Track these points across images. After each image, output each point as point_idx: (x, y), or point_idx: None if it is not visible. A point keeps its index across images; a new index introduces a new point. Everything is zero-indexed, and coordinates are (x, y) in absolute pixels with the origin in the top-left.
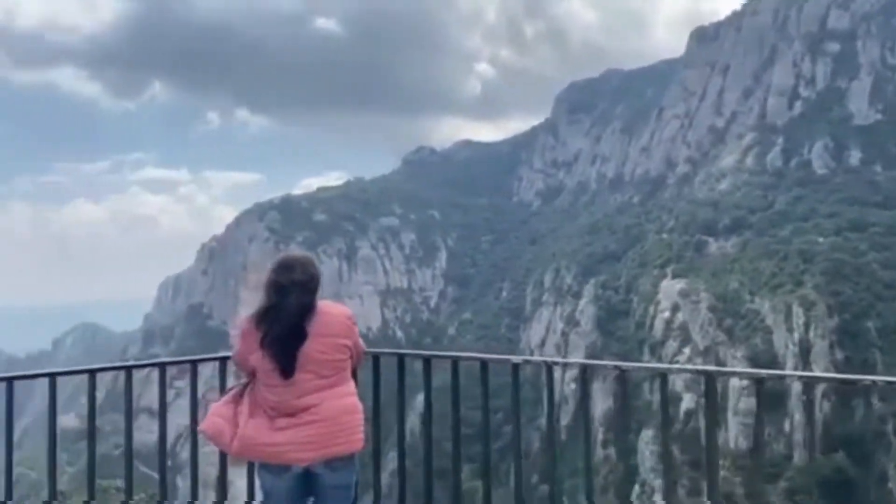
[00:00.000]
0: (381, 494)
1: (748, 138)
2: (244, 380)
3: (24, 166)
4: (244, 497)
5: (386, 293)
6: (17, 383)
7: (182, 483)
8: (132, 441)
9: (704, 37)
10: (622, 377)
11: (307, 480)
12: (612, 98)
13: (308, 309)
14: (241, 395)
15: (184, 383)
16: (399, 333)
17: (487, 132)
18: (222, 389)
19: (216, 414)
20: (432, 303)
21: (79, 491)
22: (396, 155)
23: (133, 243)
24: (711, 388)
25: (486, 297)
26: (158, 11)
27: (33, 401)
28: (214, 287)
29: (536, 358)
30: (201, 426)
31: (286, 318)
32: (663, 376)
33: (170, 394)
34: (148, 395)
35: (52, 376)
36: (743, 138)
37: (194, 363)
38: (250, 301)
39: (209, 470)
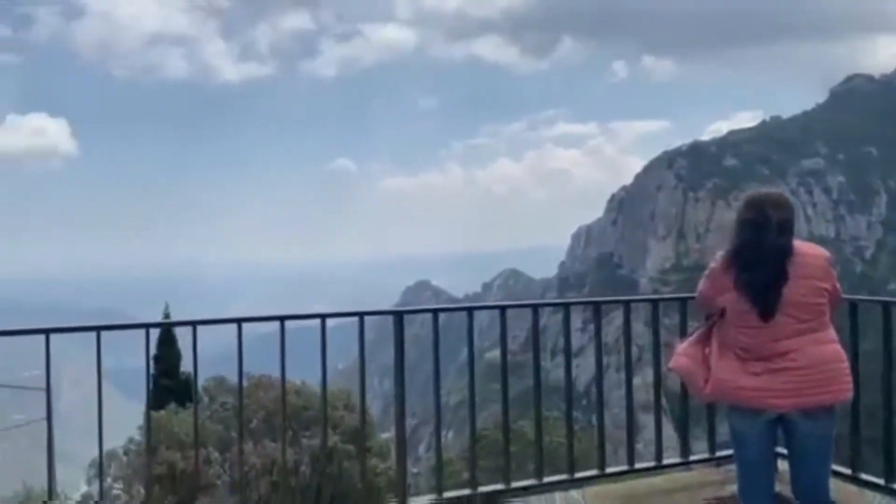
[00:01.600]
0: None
1: None
2: (708, 321)
3: (457, 131)
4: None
5: (809, 242)
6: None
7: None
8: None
9: None
10: None
11: (780, 426)
12: None
13: (787, 249)
14: (707, 336)
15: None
16: None
17: None
18: (683, 332)
19: (684, 354)
20: (867, 254)
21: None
22: (821, 87)
23: (548, 196)
24: None
25: None
26: None
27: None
28: (624, 236)
29: None
30: (670, 364)
31: (766, 259)
32: None
33: (584, 337)
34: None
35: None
36: None
37: (655, 303)
38: (658, 250)
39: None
